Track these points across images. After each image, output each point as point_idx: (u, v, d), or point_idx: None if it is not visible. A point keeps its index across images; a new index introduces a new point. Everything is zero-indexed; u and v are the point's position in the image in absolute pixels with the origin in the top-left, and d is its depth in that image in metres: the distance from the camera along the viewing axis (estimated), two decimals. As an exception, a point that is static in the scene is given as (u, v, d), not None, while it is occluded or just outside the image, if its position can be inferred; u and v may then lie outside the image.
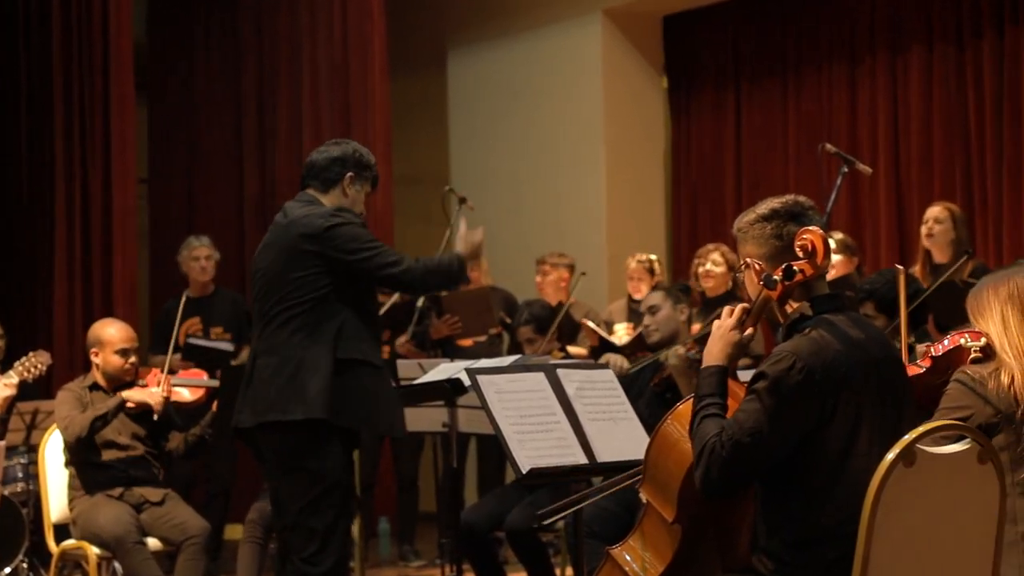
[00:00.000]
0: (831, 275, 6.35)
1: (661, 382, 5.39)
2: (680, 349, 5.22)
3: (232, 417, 4.36)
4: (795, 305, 3.12)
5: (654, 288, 5.96)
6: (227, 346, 7.11)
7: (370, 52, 8.48)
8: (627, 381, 5.40)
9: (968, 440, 2.93)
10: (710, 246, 7.29)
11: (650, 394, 5.38)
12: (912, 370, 3.53)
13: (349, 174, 4.37)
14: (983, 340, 3.41)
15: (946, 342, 3.52)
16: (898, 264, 4.38)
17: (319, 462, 4.16)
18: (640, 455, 3.32)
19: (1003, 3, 7.55)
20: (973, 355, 3.43)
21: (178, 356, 6.52)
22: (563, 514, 3.70)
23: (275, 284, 4.26)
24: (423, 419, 5.81)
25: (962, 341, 3.47)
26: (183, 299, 6.46)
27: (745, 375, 3.28)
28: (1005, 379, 3.29)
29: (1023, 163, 7.42)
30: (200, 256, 7.33)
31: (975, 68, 7.66)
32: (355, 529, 5.95)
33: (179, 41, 9.27)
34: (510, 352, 6.83)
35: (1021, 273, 3.42)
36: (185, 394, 5.79)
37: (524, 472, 3.77)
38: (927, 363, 3.51)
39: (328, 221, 4.22)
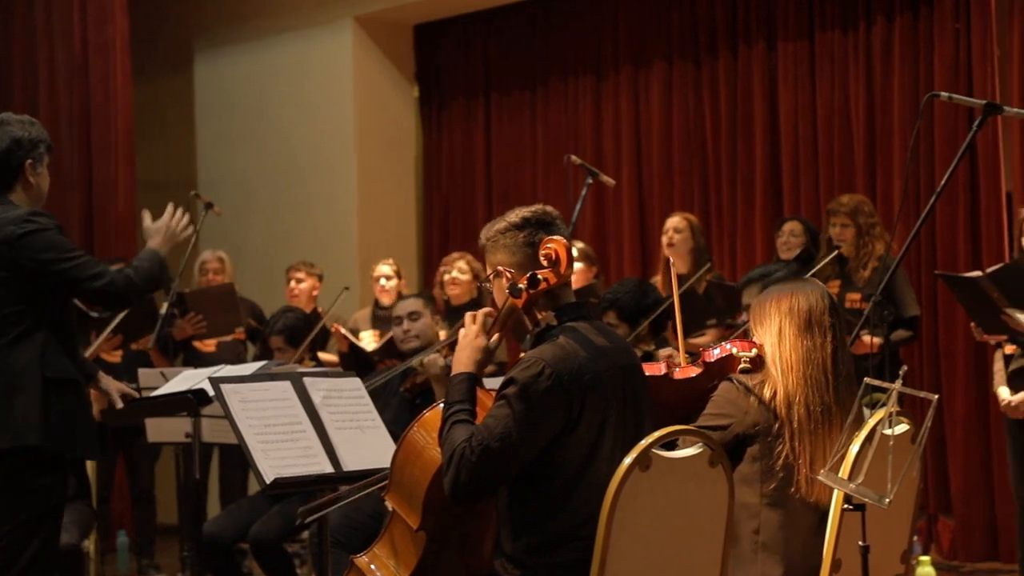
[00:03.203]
0: (574, 284, 6.50)
1: (413, 388, 5.39)
2: (439, 358, 5.20)
3: None
4: (543, 313, 3.17)
5: (414, 295, 5.91)
6: None
7: (112, 53, 8.21)
8: (376, 387, 5.38)
9: (700, 444, 3.03)
10: (455, 255, 7.36)
11: (399, 400, 5.37)
12: (687, 371, 3.62)
13: (28, 161, 3.99)
14: (753, 351, 3.50)
15: (718, 350, 3.61)
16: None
17: (35, 484, 3.87)
18: (387, 463, 3.31)
19: (736, 25, 7.88)
20: (742, 365, 3.52)
21: None
22: (324, 511, 3.64)
23: None
24: (165, 430, 5.65)
25: (733, 350, 3.56)
26: None
27: (490, 382, 3.32)
28: (768, 392, 3.39)
29: (755, 176, 7.75)
30: None
31: (711, 86, 7.97)
32: (91, 544, 5.74)
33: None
34: (257, 359, 6.72)
35: (805, 290, 3.50)
36: None
37: (268, 482, 3.71)
38: (700, 367, 3.60)
39: (22, 228, 3.85)
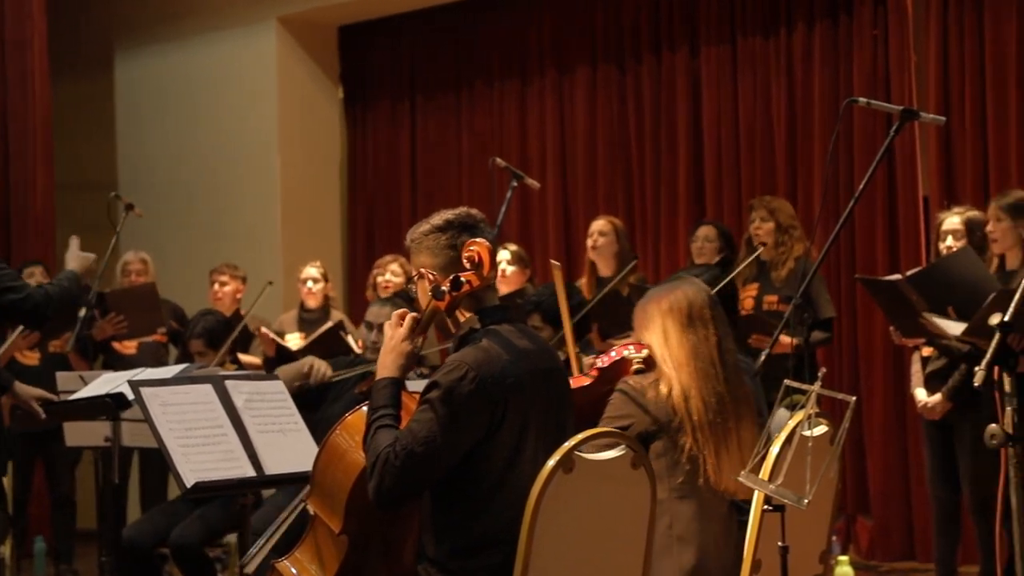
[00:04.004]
0: (505, 287, 6.52)
1: (369, 391, 5.34)
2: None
3: None
4: (467, 316, 3.17)
5: (392, 302, 5.84)
6: None
7: (30, 52, 8.10)
8: (327, 383, 5.35)
9: (623, 447, 3.05)
10: (388, 257, 7.33)
11: (349, 399, 5.33)
12: (579, 380, 3.64)
13: None
14: (645, 352, 3.56)
15: (612, 354, 3.65)
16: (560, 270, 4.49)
17: None
18: (309, 466, 3.29)
19: (659, 29, 7.94)
20: (636, 366, 3.58)
21: None
22: (259, 550, 3.57)
23: None
24: (84, 433, 5.58)
25: (626, 353, 3.61)
26: None
27: (414, 384, 3.31)
28: (664, 389, 3.45)
29: (678, 180, 7.81)
30: None
31: (635, 89, 8.03)
32: (7, 550, 5.65)
33: None
34: (178, 362, 6.64)
35: (682, 287, 3.58)
36: None
37: (189, 486, 3.67)
38: (594, 374, 3.63)
39: None
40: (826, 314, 6.10)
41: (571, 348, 4.00)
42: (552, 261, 4.29)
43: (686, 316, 3.50)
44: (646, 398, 3.45)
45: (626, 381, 3.51)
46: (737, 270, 5.71)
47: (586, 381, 3.63)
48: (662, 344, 3.50)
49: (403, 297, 6.27)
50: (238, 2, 9.03)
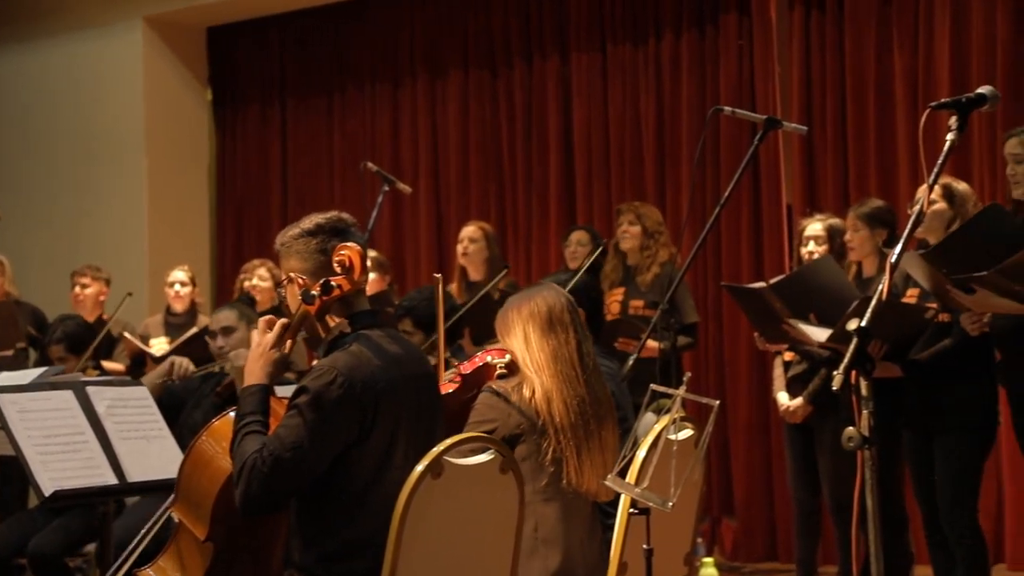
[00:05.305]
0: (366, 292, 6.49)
1: (224, 391, 5.27)
2: (245, 352, 5.09)
3: None
4: (337, 321, 3.15)
5: (229, 306, 5.75)
6: None
7: None
8: (184, 389, 5.26)
9: (491, 451, 3.06)
10: (256, 261, 7.26)
11: (209, 404, 5.26)
12: (445, 388, 3.66)
13: None
14: (507, 357, 3.60)
15: (475, 360, 3.68)
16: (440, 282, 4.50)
17: None
18: (173, 473, 3.24)
19: (530, 36, 8.00)
20: (499, 371, 3.61)
21: None
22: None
23: None
24: (-64, 442, 5.40)
25: (488, 359, 3.64)
26: None
27: (282, 390, 3.28)
28: (527, 392, 3.49)
29: (549, 184, 7.88)
30: None
31: (507, 95, 8.07)
32: None
33: None
34: (37, 367, 6.48)
35: (541, 293, 3.63)
36: None
37: (48, 495, 3.59)
38: (457, 380, 3.65)
39: None
40: (690, 319, 6.20)
41: (441, 355, 4.01)
42: (435, 275, 4.30)
43: (546, 321, 3.55)
44: (511, 401, 3.48)
45: (491, 385, 3.54)
46: (586, 264, 5.69)
47: (450, 388, 3.65)
48: (523, 349, 3.55)
49: (244, 301, 6.22)
50: (103, 1, 8.85)
